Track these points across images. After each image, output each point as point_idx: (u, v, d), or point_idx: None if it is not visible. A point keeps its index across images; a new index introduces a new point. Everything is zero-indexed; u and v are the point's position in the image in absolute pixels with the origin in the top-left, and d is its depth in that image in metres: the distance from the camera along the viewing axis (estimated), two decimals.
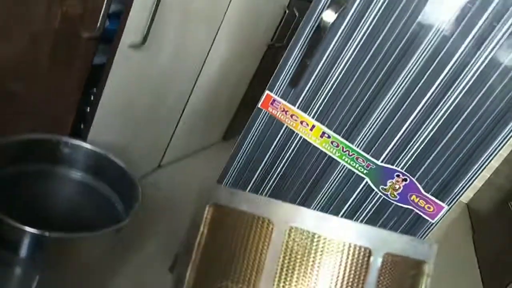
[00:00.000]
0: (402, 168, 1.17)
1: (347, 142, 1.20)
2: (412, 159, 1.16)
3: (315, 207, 1.29)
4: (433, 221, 1.17)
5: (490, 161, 1.11)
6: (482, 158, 1.10)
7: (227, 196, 0.95)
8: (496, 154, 1.09)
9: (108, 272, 1.50)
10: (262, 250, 0.98)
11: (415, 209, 1.18)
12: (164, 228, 1.87)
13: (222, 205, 0.91)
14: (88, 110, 1.45)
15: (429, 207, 1.17)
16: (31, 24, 1.04)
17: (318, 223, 0.97)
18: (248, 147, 1.32)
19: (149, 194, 2.04)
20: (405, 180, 1.17)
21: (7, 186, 1.19)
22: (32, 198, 1.28)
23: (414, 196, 1.17)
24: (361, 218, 1.25)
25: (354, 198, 1.24)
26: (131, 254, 1.65)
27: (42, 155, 1.26)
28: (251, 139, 1.31)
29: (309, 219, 1.01)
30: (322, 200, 1.28)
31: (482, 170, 1.13)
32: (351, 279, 0.90)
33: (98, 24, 1.19)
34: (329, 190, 1.26)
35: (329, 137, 1.21)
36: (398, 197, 1.19)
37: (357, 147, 1.19)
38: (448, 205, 1.15)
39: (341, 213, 1.27)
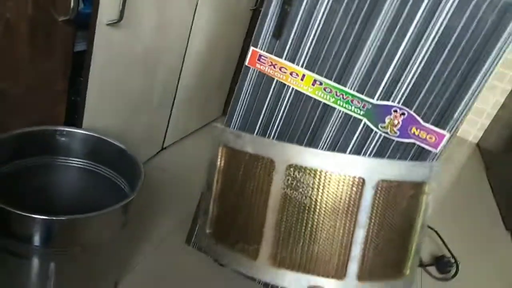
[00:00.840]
0: (398, 103, 1.15)
1: (339, 86, 1.18)
2: (407, 92, 1.14)
3: None
4: (437, 151, 1.16)
5: (486, 81, 1.09)
6: (478, 79, 1.08)
7: (234, 138, 0.97)
8: (491, 72, 1.07)
9: (124, 252, 1.52)
10: (266, 187, 1.00)
11: (417, 142, 1.17)
12: (174, 206, 1.88)
13: (230, 147, 0.95)
14: (78, 99, 1.44)
15: (430, 137, 1.15)
16: (1, 13, 1.02)
17: (315, 159, 0.98)
18: (242, 109, 1.31)
19: (156, 176, 2.06)
20: (403, 114, 1.16)
21: (8, 182, 1.19)
22: (36, 191, 1.29)
23: (414, 129, 1.16)
24: None
25: (355, 142, 1.23)
26: (145, 234, 1.67)
27: (39, 147, 1.25)
28: (244, 100, 1.30)
29: (307, 156, 1.01)
30: (323, 149, 1.27)
31: (479, 92, 1.11)
32: (350, 209, 0.92)
33: (72, 5, 1.17)
34: (329, 137, 1.25)
35: (321, 84, 1.19)
36: (398, 132, 1.18)
37: (350, 89, 1.17)
38: (450, 132, 1.13)
39: None
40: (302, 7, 1.15)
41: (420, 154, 1.19)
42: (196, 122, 2.55)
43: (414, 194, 0.79)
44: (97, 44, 1.31)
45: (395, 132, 1.18)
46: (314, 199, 0.90)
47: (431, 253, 2.20)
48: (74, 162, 1.33)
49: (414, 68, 1.11)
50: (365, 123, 1.20)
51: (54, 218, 0.98)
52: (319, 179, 0.85)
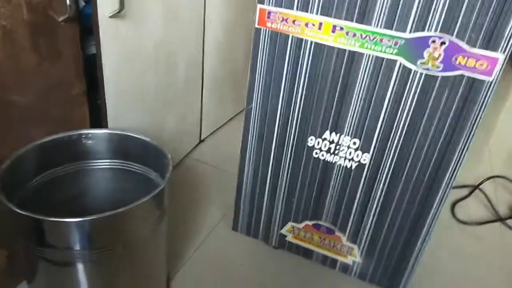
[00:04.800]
0: (435, 31, 0.99)
1: (363, 26, 1.04)
2: (443, 15, 0.97)
3: (353, 114, 1.15)
4: (491, 79, 0.99)
5: None
6: None
7: None
8: None
9: (173, 245, 1.48)
10: None
11: (465, 73, 1.00)
12: (218, 196, 1.83)
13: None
14: (99, 102, 1.41)
15: (481, 64, 0.98)
16: (0, 18, 0.99)
17: None
18: (262, 79, 1.21)
19: (197, 169, 2.01)
20: (443, 43, 1.00)
21: (41, 195, 1.18)
22: (71, 199, 1.27)
23: (460, 58, 0.99)
24: (407, 107, 1.10)
25: (393, 88, 1.09)
26: (193, 226, 1.63)
27: (66, 154, 1.23)
28: (262, 68, 1.20)
29: None
30: (358, 104, 1.14)
31: None
32: None
33: (68, 2, 1.12)
34: (362, 89, 1.11)
35: (341, 29, 1.06)
36: (441, 66, 1.02)
37: (376, 26, 1.03)
38: (503, 52, 0.96)
39: (383, 110, 1.12)
40: None
41: (472, 88, 1.02)
42: (230, 110, 2.48)
43: None
44: (104, 40, 1.26)
45: (438, 67, 1.03)
46: None
47: (509, 205, 1.98)
48: (103, 163, 1.30)
49: None
50: (401, 63, 1.05)
51: (88, 218, 0.95)
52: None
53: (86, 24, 1.26)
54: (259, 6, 1.11)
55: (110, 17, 1.25)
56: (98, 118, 1.44)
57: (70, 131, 1.23)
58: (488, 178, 2.08)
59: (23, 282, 1.26)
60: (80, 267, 1.04)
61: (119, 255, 1.07)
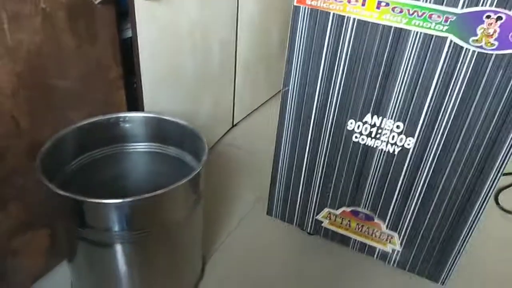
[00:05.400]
0: (491, 5, 0.92)
1: (411, 1, 0.98)
2: None
3: (397, 96, 1.10)
4: None
5: None
6: None
7: None
8: None
9: (208, 230, 1.48)
10: None
11: None
12: (252, 180, 1.81)
13: None
14: (135, 86, 1.41)
15: None
16: (35, 4, 0.99)
17: None
18: (300, 57, 1.16)
19: (230, 154, 2.00)
20: (499, 18, 0.92)
21: (81, 177, 1.20)
22: (109, 182, 1.28)
23: None
24: (456, 89, 1.03)
25: (442, 67, 1.02)
26: (227, 210, 1.62)
27: (104, 137, 1.24)
28: (300, 47, 1.15)
29: None
30: (403, 85, 1.08)
31: None
32: None
33: None
34: (409, 67, 1.05)
35: (387, 4, 1.00)
36: (496, 43, 0.94)
37: (426, 1, 0.96)
38: None
39: (431, 91, 1.06)
40: None
41: None
42: (263, 94, 2.44)
43: None
44: (140, 23, 1.25)
45: (492, 45, 0.95)
46: None
47: None
48: (140, 146, 1.30)
49: None
50: (451, 40, 0.98)
51: (127, 200, 0.96)
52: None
53: (121, 8, 1.25)
54: None
55: None
56: (135, 102, 1.44)
57: (108, 114, 1.24)
58: None
59: (64, 261, 1.29)
60: (118, 248, 1.05)
61: (156, 237, 1.07)
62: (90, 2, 1.13)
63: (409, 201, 1.23)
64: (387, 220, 1.30)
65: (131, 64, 1.34)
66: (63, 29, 1.08)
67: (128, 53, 1.33)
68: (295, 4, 1.09)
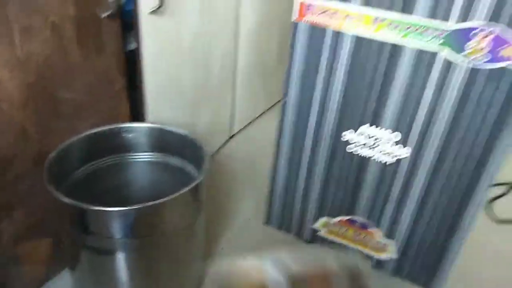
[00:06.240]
0: (483, 21, 0.96)
1: (406, 17, 1.02)
2: (494, 2, 0.94)
3: (393, 108, 1.14)
4: None
5: None
6: None
7: None
8: None
9: (207, 237, 1.50)
10: None
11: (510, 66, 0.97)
12: (249, 191, 1.83)
13: None
14: (138, 96, 1.44)
15: None
16: (45, 17, 1.03)
17: None
18: (298, 71, 1.21)
19: (228, 165, 2.02)
20: (490, 33, 0.96)
21: (85, 185, 1.22)
22: (112, 191, 1.31)
23: (508, 49, 0.96)
24: (451, 102, 1.07)
25: (436, 81, 1.06)
26: (225, 220, 1.65)
27: (107, 147, 1.27)
28: (299, 61, 1.19)
29: None
30: (398, 97, 1.12)
31: None
32: None
33: None
34: (404, 81, 1.10)
35: (383, 20, 1.05)
36: (487, 58, 0.99)
37: (420, 17, 1.01)
38: None
39: (426, 103, 1.10)
40: None
41: None
42: (262, 105, 2.48)
43: None
44: (144, 36, 1.29)
45: (483, 58, 1.00)
46: None
47: None
48: (142, 156, 1.33)
49: None
50: (445, 55, 1.03)
51: (130, 208, 0.98)
52: None
53: (125, 21, 1.29)
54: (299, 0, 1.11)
55: (150, 13, 1.28)
56: (137, 112, 1.47)
57: (111, 124, 1.27)
58: None
59: (64, 271, 1.31)
60: (121, 255, 1.07)
61: (158, 244, 1.09)
62: (97, 15, 1.17)
63: (405, 210, 1.27)
64: (383, 229, 1.34)
65: (134, 75, 1.38)
66: (71, 41, 1.11)
67: (131, 65, 1.36)
68: (293, 21, 1.14)
